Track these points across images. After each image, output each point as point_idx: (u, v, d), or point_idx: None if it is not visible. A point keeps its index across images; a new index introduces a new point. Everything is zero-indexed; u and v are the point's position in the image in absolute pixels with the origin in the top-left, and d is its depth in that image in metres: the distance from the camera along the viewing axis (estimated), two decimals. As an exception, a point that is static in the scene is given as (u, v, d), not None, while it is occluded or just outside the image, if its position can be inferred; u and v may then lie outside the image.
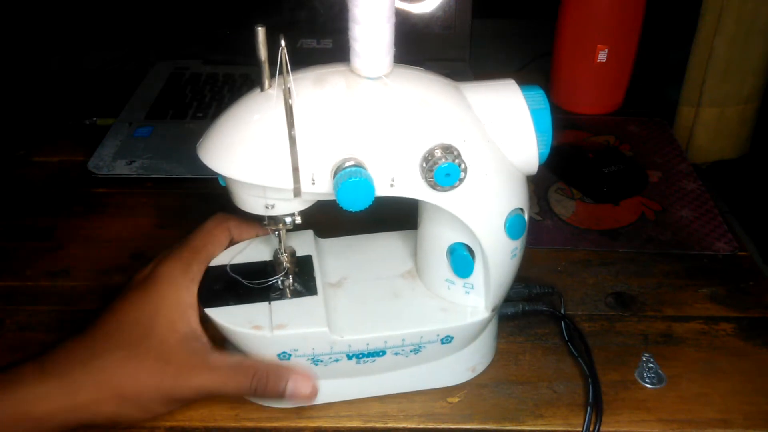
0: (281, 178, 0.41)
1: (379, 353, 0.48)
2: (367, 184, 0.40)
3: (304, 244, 0.53)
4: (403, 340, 0.48)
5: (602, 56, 0.82)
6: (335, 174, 0.40)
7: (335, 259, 0.53)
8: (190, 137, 0.79)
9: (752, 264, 0.64)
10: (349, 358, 0.48)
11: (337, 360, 0.48)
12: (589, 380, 0.51)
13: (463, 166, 0.41)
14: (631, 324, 0.57)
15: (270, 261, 0.51)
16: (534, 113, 0.44)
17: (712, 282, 0.62)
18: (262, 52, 0.40)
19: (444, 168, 0.41)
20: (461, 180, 0.42)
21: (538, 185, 0.74)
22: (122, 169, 0.74)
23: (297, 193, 0.42)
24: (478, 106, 0.44)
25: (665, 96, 0.88)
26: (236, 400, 0.50)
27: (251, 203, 0.44)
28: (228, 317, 0.47)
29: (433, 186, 0.42)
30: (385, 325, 0.48)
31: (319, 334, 0.46)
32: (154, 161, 0.75)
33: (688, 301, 0.60)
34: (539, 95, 0.45)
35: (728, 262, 0.64)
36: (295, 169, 0.41)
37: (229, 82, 0.90)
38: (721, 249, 0.65)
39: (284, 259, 0.49)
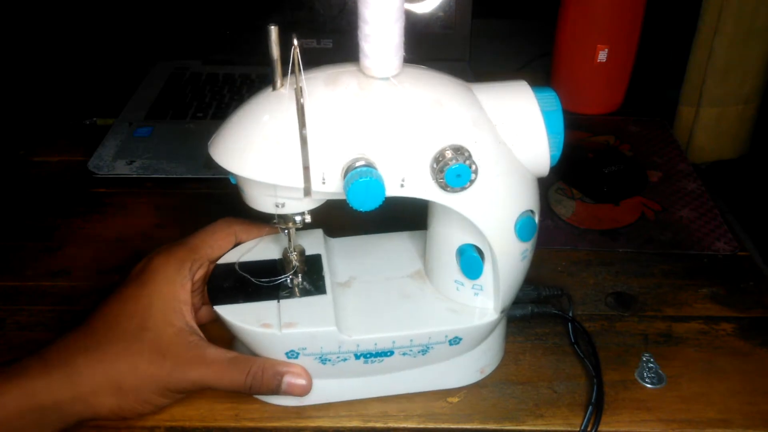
0: (292, 177, 0.41)
1: (387, 353, 0.48)
2: (378, 184, 0.40)
3: (313, 242, 0.53)
4: (411, 340, 0.48)
5: (602, 56, 0.82)
6: (346, 173, 0.40)
7: (344, 258, 0.54)
8: (190, 137, 0.80)
9: (752, 264, 0.64)
10: (357, 357, 0.48)
11: (344, 359, 0.48)
12: (594, 380, 0.51)
13: (473, 167, 0.41)
14: (631, 324, 0.57)
15: (279, 259, 0.51)
16: (546, 115, 0.44)
17: (712, 282, 0.62)
18: (275, 51, 0.40)
19: (455, 169, 0.40)
20: (472, 181, 0.42)
21: (539, 185, 0.74)
22: (122, 169, 0.74)
23: (307, 192, 0.42)
24: (489, 107, 0.43)
25: (665, 96, 0.88)
26: (236, 399, 0.50)
27: (262, 202, 0.45)
28: (237, 315, 0.47)
29: (444, 187, 0.42)
30: (394, 326, 0.48)
31: (328, 333, 0.46)
32: (154, 161, 0.75)
33: (688, 301, 0.60)
34: (551, 97, 0.44)
35: (728, 262, 0.64)
36: (306, 169, 0.41)
37: (229, 82, 0.90)
38: (721, 249, 0.65)
39: (293, 257, 0.49)
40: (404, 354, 0.48)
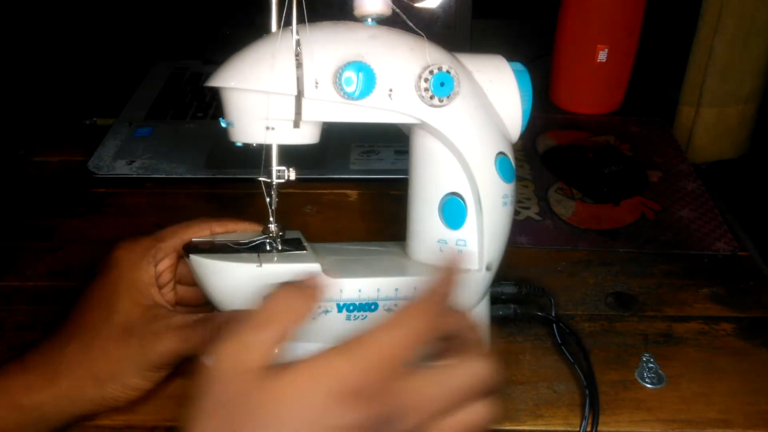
0: (284, 83, 0.43)
1: (371, 306, 0.48)
2: (370, 69, 0.42)
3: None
4: (397, 290, 0.48)
5: (602, 56, 0.82)
6: (338, 72, 0.43)
7: (324, 249, 0.53)
8: (190, 137, 0.79)
9: (752, 264, 0.64)
10: (340, 309, 0.47)
11: (326, 311, 0.47)
12: (585, 385, 0.51)
13: (457, 79, 0.44)
14: (631, 324, 0.57)
15: (256, 238, 0.50)
16: (516, 74, 0.49)
17: (712, 282, 0.62)
18: None
19: (439, 76, 0.44)
20: (455, 93, 0.44)
21: (538, 185, 0.74)
22: (122, 169, 0.74)
23: (297, 119, 0.43)
24: (467, 62, 0.48)
25: (665, 96, 0.88)
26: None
27: (252, 130, 0.45)
28: (214, 258, 0.47)
29: (429, 99, 0.44)
30: (379, 273, 0.48)
31: (311, 270, 0.46)
32: (154, 161, 0.75)
33: (688, 301, 0.60)
34: (519, 65, 0.50)
35: (728, 262, 0.64)
36: (299, 67, 0.42)
37: (229, 82, 0.89)
38: (721, 249, 0.65)
39: (273, 228, 0.49)
40: (388, 310, 0.48)
